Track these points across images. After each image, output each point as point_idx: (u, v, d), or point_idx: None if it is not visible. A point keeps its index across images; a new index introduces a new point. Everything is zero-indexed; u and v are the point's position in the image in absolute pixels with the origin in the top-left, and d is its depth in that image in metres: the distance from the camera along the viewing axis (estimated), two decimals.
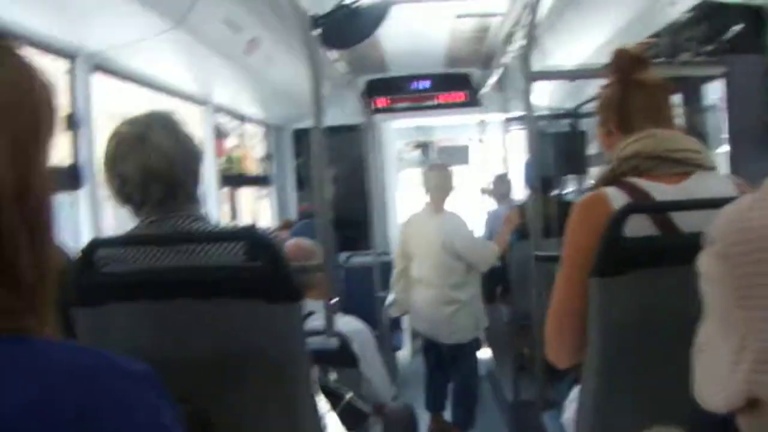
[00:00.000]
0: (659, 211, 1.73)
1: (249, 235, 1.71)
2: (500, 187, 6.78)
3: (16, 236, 0.66)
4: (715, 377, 0.95)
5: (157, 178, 1.78)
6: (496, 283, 5.53)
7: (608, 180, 1.82)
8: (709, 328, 0.98)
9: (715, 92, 3.39)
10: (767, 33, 3.28)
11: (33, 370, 0.63)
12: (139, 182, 1.79)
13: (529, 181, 3.15)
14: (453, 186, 4.81)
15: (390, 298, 5.10)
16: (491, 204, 6.99)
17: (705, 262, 0.95)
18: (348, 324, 3.09)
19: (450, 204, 4.80)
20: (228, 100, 5.04)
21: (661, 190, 1.74)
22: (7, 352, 0.63)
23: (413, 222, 4.92)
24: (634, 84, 1.91)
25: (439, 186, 4.73)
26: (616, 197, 1.75)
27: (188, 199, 1.85)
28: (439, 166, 5.03)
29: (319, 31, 3.36)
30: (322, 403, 2.25)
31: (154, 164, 1.77)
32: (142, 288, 1.60)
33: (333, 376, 2.64)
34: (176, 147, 1.82)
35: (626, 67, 1.93)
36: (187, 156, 1.85)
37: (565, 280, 1.82)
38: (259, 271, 1.57)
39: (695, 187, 1.75)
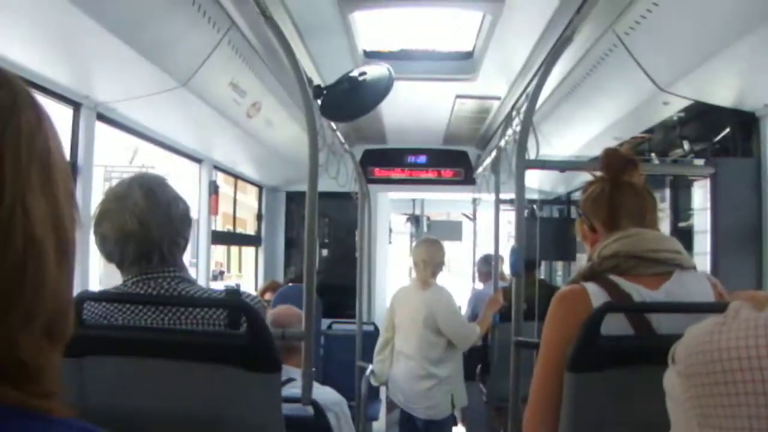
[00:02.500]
0: (637, 311, 1.75)
1: (233, 304, 1.72)
2: (485, 267, 6.81)
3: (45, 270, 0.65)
4: None
5: (131, 238, 1.81)
6: (476, 362, 5.52)
7: (588, 276, 1.85)
8: None
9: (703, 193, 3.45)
10: (756, 137, 3.37)
11: None
12: (115, 241, 1.82)
13: (514, 266, 3.16)
14: (442, 261, 4.82)
15: (371, 367, 5.07)
16: (477, 283, 7.01)
17: (668, 380, 0.98)
18: (325, 395, 3.07)
19: (439, 279, 4.81)
20: (226, 159, 5.10)
21: (641, 292, 1.77)
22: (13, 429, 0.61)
23: (400, 295, 4.92)
24: (625, 185, 1.96)
25: (429, 260, 4.74)
26: (596, 294, 1.78)
27: (163, 261, 1.87)
28: (430, 240, 5.05)
29: (319, 102, 3.42)
30: None
31: (128, 225, 1.81)
32: (125, 344, 1.60)
33: None
34: (153, 209, 1.85)
35: (617, 168, 1.97)
36: (165, 220, 1.87)
37: (542, 374, 1.84)
38: (239, 339, 1.58)
39: (674, 289, 1.78)
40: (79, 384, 1.52)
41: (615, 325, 1.72)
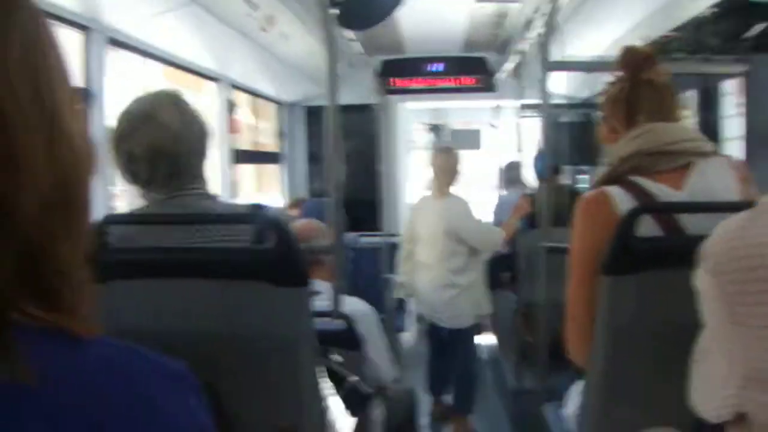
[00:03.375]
0: (669, 211, 1.72)
1: (258, 218, 1.71)
2: (510, 174, 6.75)
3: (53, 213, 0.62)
4: (707, 388, 0.98)
5: (163, 156, 1.78)
6: (504, 269, 5.52)
7: (610, 179, 1.82)
8: (706, 340, 0.99)
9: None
10: None
11: (71, 370, 0.61)
12: (145, 159, 1.79)
13: (540, 171, 3.12)
14: (459, 170, 4.77)
15: (396, 280, 5.10)
16: (501, 191, 6.97)
17: (699, 278, 0.96)
18: (353, 305, 3.09)
19: (458, 188, 4.78)
20: (242, 76, 5.03)
21: (665, 193, 1.74)
22: (45, 350, 0.60)
23: (420, 205, 4.91)
24: (643, 83, 1.92)
25: (445, 169, 4.69)
26: (620, 197, 1.75)
27: (194, 177, 1.85)
28: (446, 149, 4.98)
29: (336, 10, 3.33)
30: (326, 386, 2.25)
31: (161, 142, 1.78)
32: (151, 266, 1.60)
33: (337, 357, 2.64)
34: (182, 125, 1.83)
35: (636, 66, 1.93)
36: (192, 135, 1.85)
37: (576, 283, 1.82)
38: (266, 254, 1.56)
39: (698, 185, 1.74)
40: (108, 309, 1.52)
41: (644, 227, 1.70)
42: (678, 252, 1.64)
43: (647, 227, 1.71)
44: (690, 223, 1.70)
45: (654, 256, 1.67)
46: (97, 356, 0.63)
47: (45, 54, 0.62)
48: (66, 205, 0.63)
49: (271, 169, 7.20)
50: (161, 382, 0.66)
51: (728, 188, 1.75)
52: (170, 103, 1.84)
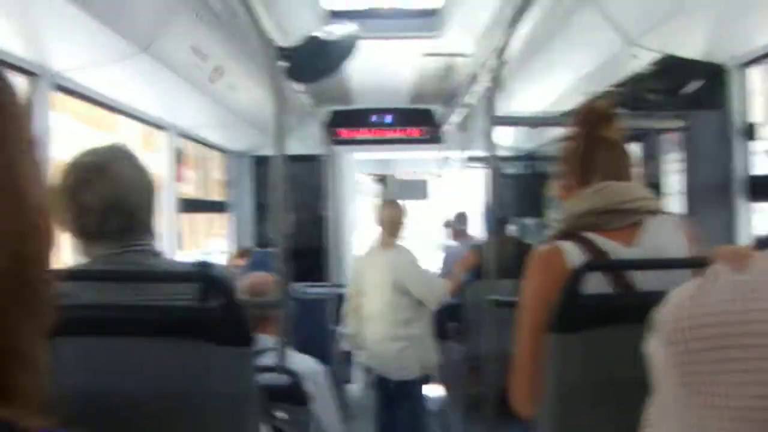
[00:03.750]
0: (617, 269, 1.74)
1: (203, 277, 1.68)
2: (459, 224, 6.81)
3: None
4: None
5: (117, 209, 1.75)
6: (451, 320, 5.53)
7: (563, 235, 1.84)
8: (657, 408, 0.98)
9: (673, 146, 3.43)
10: (727, 90, 3.35)
11: None
12: (97, 211, 1.75)
13: (488, 223, 3.15)
14: (404, 222, 4.80)
15: (343, 331, 5.07)
16: (449, 241, 7.02)
17: (651, 347, 0.96)
18: (302, 362, 3.05)
19: (403, 239, 4.80)
20: (191, 125, 5.00)
21: (617, 249, 1.76)
22: None
23: (365, 257, 4.92)
24: (599, 140, 1.93)
25: (390, 221, 4.73)
26: (572, 253, 1.76)
27: (143, 232, 1.82)
28: (391, 202, 5.03)
29: (285, 63, 3.35)
30: None
31: (115, 194, 1.74)
32: (93, 324, 1.55)
33: (282, 415, 2.59)
34: (136, 179, 1.80)
35: (593, 123, 1.95)
36: (144, 189, 1.83)
37: (525, 335, 1.83)
38: (210, 312, 1.54)
39: (650, 243, 1.77)
40: (51, 366, 1.47)
41: (595, 283, 1.71)
42: (625, 309, 1.66)
43: (599, 284, 1.72)
44: (641, 280, 1.72)
45: (601, 313, 1.68)
46: None
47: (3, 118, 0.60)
48: (23, 283, 0.59)
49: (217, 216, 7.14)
50: None
51: (678, 246, 1.78)
52: (123, 156, 1.81)
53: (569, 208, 1.87)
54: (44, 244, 0.62)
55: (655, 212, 1.83)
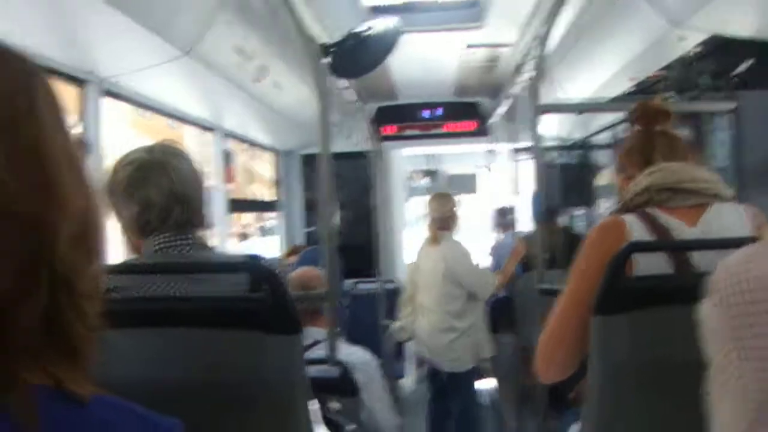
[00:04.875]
0: (662, 250, 1.72)
1: (250, 267, 1.70)
2: (502, 218, 6.78)
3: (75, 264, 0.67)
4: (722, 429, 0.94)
5: (179, 201, 1.80)
6: (501, 313, 5.51)
7: (625, 210, 1.84)
8: (714, 383, 0.97)
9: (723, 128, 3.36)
10: None
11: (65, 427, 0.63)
12: (162, 206, 1.79)
13: (536, 213, 3.13)
14: (456, 214, 4.82)
15: (397, 323, 5.10)
16: (498, 234, 6.99)
17: (703, 313, 0.95)
18: (355, 354, 3.08)
19: (455, 232, 4.81)
20: (238, 125, 5.07)
21: (679, 227, 1.75)
22: (52, 410, 0.62)
23: (421, 250, 4.95)
24: (657, 134, 1.99)
25: (442, 214, 4.74)
26: (634, 226, 1.76)
27: (202, 222, 1.86)
28: (441, 194, 5.03)
29: (328, 59, 3.37)
30: None
31: (178, 188, 1.79)
32: (143, 316, 1.59)
33: (335, 405, 2.61)
34: (192, 173, 1.85)
35: (650, 120, 2.02)
36: (200, 183, 1.88)
37: (569, 296, 1.82)
38: (258, 302, 1.56)
39: (712, 224, 1.75)
40: (99, 360, 1.51)
41: (656, 262, 1.70)
42: (674, 290, 1.64)
43: (660, 262, 1.71)
44: (702, 261, 1.70)
45: (647, 294, 1.66)
46: (98, 419, 0.65)
47: (61, 110, 0.70)
48: (88, 237, 0.68)
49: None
50: None
51: (743, 230, 1.75)
52: (177, 153, 1.87)
53: (630, 189, 1.87)
54: (100, 205, 0.72)
55: (722, 198, 1.81)
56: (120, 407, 0.68)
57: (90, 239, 0.69)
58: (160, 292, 1.73)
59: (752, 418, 0.87)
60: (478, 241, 7.90)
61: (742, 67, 3.48)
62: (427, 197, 5.15)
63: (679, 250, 1.72)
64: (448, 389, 4.82)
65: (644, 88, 4.19)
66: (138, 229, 1.83)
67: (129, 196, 1.81)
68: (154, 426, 0.69)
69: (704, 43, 3.53)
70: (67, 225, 0.65)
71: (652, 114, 2.02)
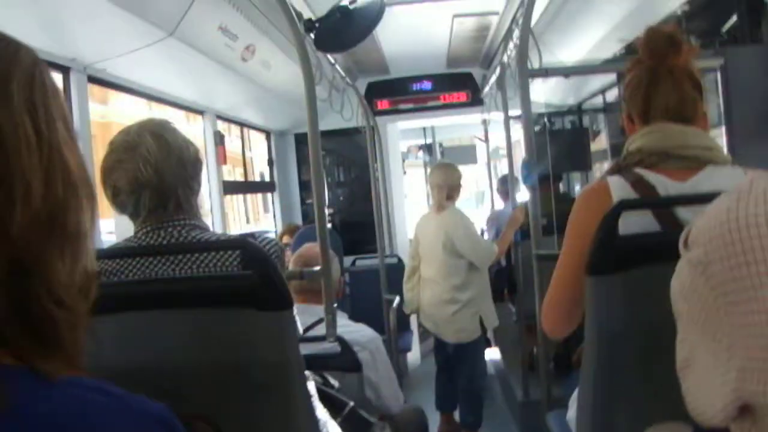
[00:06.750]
0: (653, 206, 1.70)
1: (240, 245, 1.70)
2: (503, 187, 6.77)
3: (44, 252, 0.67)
4: (705, 391, 0.89)
5: (146, 188, 1.78)
6: (503, 282, 5.52)
7: (614, 171, 1.80)
8: (690, 342, 0.91)
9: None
10: (766, 22, 3.25)
11: (40, 411, 0.62)
12: (129, 192, 1.79)
13: (527, 180, 3.11)
14: (458, 183, 4.81)
15: (398, 298, 5.10)
16: (498, 203, 6.99)
17: (681, 271, 0.89)
18: (359, 332, 3.08)
19: (457, 202, 4.80)
20: (228, 107, 5.04)
21: (666, 185, 1.71)
22: (20, 388, 0.62)
23: (422, 221, 4.95)
24: (662, 74, 1.78)
25: (442, 184, 4.73)
26: (617, 186, 1.73)
27: (179, 207, 1.84)
28: (444, 164, 5.02)
29: (312, 35, 3.34)
30: (322, 411, 2.23)
31: (141, 174, 1.77)
32: (133, 299, 1.58)
33: (334, 382, 2.62)
34: (166, 156, 1.81)
35: (660, 51, 1.78)
36: (178, 164, 1.83)
37: (561, 271, 1.83)
38: (249, 279, 1.55)
39: (703, 182, 1.69)
40: (90, 345, 1.50)
41: (642, 221, 1.67)
42: (666, 247, 1.61)
43: (646, 221, 1.68)
44: (690, 218, 1.62)
45: (640, 252, 1.64)
46: (70, 398, 0.64)
47: (44, 93, 0.72)
48: (57, 225, 0.68)
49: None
50: (130, 425, 0.66)
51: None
52: (153, 133, 1.83)
53: (627, 145, 1.83)
54: (78, 197, 0.71)
55: (716, 163, 1.73)
56: (96, 389, 0.67)
57: (60, 226, 0.68)
58: (146, 275, 1.73)
59: (739, 377, 0.83)
60: (479, 211, 7.90)
61: (730, 24, 3.45)
62: (424, 171, 5.14)
63: (670, 205, 1.70)
64: (454, 361, 4.83)
65: (634, 50, 4.16)
66: (120, 212, 1.84)
67: (104, 182, 1.81)
68: (133, 410, 0.68)
69: (689, 2, 3.51)
70: (23, 210, 0.64)
71: (661, 44, 1.77)
